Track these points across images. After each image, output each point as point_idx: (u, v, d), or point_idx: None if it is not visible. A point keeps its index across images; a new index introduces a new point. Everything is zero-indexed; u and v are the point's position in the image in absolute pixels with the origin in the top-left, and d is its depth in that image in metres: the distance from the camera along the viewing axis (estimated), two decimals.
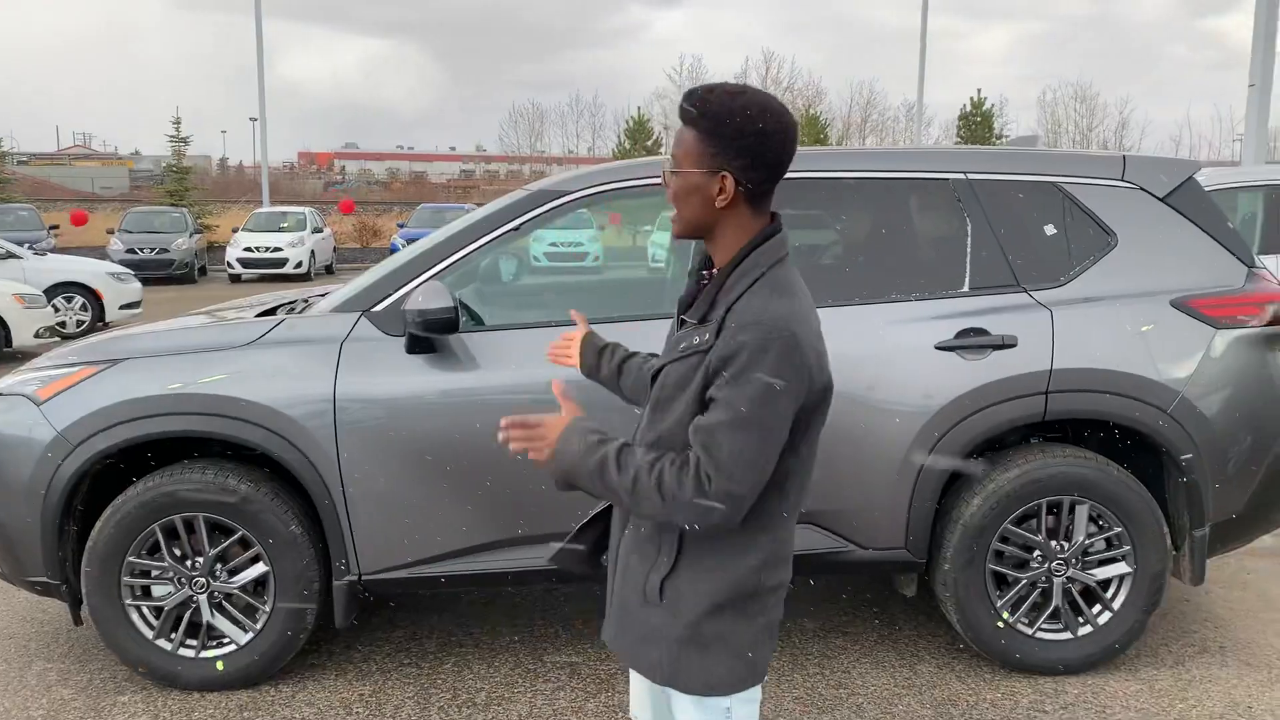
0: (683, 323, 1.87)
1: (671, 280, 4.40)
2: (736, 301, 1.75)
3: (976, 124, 43.80)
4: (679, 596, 1.83)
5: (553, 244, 18.55)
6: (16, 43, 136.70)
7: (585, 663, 3.89)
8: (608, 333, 3.66)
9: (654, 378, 1.88)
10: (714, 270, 1.87)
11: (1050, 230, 3.76)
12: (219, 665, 3.64)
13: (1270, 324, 3.73)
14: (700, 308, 1.82)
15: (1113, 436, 3.80)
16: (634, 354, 2.33)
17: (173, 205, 28.66)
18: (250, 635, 3.64)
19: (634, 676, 2.08)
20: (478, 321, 3.75)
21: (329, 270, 26.28)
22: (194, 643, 3.66)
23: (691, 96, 1.80)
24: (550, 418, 1.86)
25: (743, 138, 1.74)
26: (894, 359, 3.60)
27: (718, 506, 1.69)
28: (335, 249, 28.00)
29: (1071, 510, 3.67)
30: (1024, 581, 3.70)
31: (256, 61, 30.86)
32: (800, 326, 1.72)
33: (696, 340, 1.78)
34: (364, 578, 3.60)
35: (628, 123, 49.79)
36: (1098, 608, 3.75)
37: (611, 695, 3.63)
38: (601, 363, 2.36)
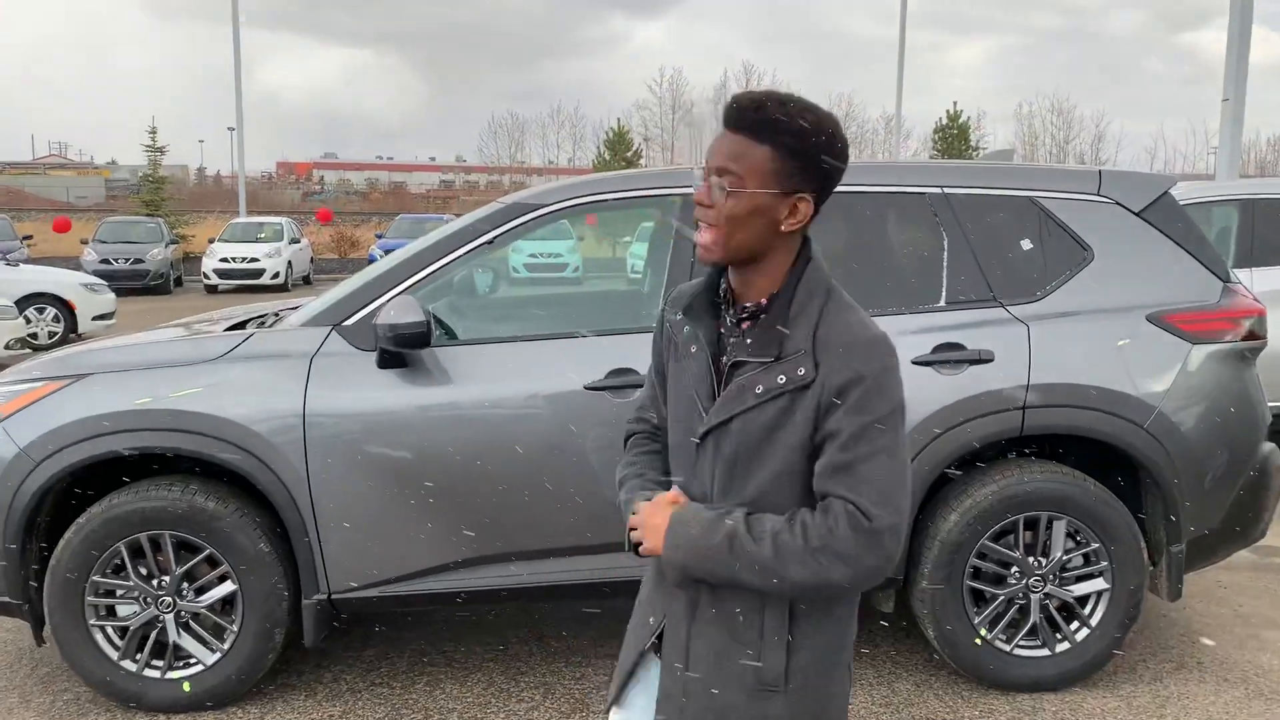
0: (736, 365, 1.65)
1: (649, 293, 4.37)
2: (818, 326, 1.59)
3: (953, 137, 44.05)
4: (805, 674, 1.64)
5: (532, 255, 18.52)
6: None
7: (559, 682, 3.84)
8: (580, 346, 3.67)
9: (705, 438, 1.66)
10: (733, 303, 1.69)
11: (1026, 245, 3.75)
12: (185, 686, 3.56)
13: (1246, 339, 3.74)
14: (766, 344, 1.61)
15: (1090, 452, 3.79)
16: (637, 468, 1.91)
17: (148, 215, 28.46)
18: (218, 655, 3.57)
19: None
20: (451, 335, 3.70)
21: (307, 281, 26.14)
22: (160, 663, 3.58)
23: (764, 107, 1.56)
24: (648, 504, 1.68)
25: (825, 160, 1.58)
26: None
27: (884, 544, 1.52)
28: (313, 259, 27.86)
29: (1049, 526, 3.66)
30: (1001, 598, 3.68)
31: (234, 70, 30.73)
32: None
33: (783, 379, 1.58)
34: (334, 596, 3.54)
35: (608, 134, 49.77)
36: (1076, 624, 3.73)
37: (586, 715, 3.57)
38: None
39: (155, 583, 3.54)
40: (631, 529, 1.71)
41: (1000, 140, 58.16)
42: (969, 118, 45.33)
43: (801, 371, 1.57)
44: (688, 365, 1.72)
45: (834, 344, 1.57)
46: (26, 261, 18.49)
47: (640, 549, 1.69)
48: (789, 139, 1.56)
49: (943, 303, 3.68)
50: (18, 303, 12.37)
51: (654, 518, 1.65)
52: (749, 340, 1.64)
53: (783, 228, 1.60)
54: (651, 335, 1.91)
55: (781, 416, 1.59)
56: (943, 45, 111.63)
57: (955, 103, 47.37)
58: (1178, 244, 3.80)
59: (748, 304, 1.67)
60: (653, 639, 1.76)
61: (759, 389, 1.60)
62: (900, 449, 1.57)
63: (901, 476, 1.56)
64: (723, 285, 1.72)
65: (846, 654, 1.71)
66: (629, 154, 48.26)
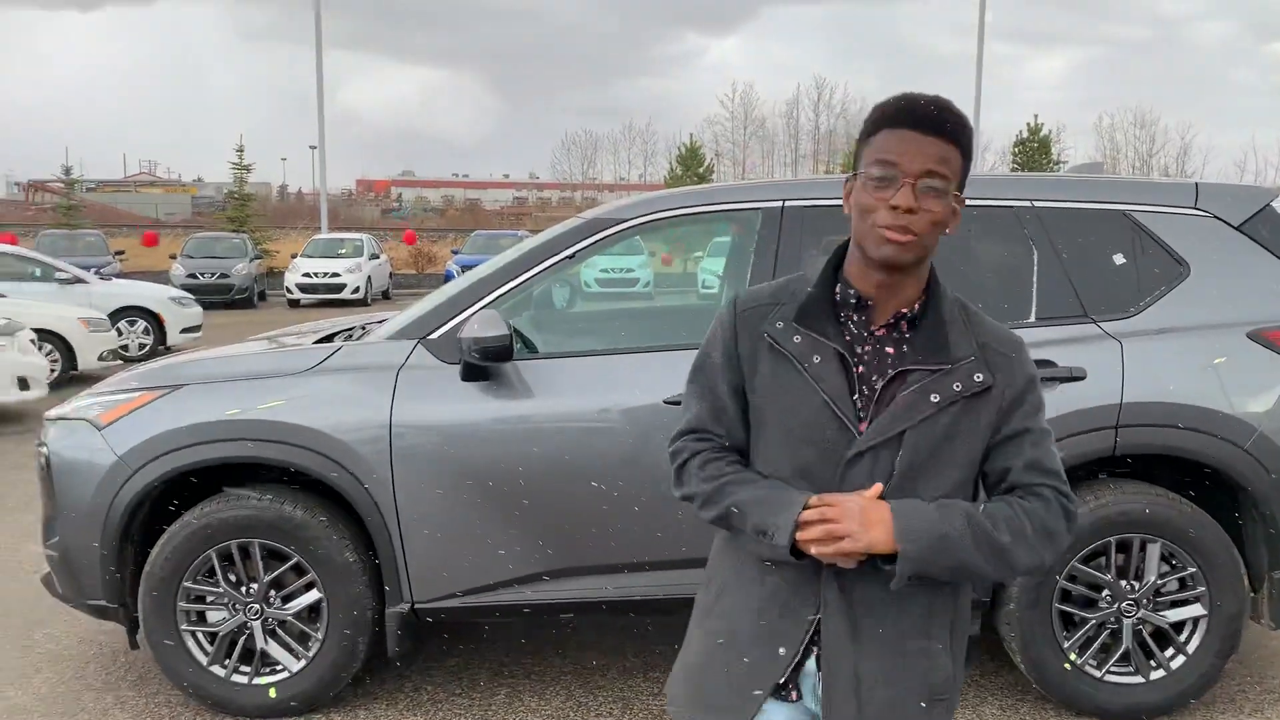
0: (900, 375, 1.59)
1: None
2: (976, 333, 1.62)
3: (1033, 150, 43.24)
4: (959, 679, 1.70)
5: (604, 270, 18.61)
6: (86, 73, 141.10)
7: (637, 697, 3.83)
8: (658, 360, 3.66)
9: (861, 456, 1.58)
10: (883, 309, 1.63)
11: (1119, 259, 3.66)
12: (271, 692, 3.63)
13: None
14: (935, 350, 1.59)
15: (1186, 473, 3.67)
16: None
17: (234, 231, 29.24)
18: (303, 662, 3.63)
19: None
20: (531, 349, 3.73)
21: (385, 295, 26.62)
22: (247, 669, 3.65)
23: (949, 108, 1.57)
24: (846, 499, 1.54)
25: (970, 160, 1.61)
26: None
27: (1075, 526, 1.65)
28: (391, 274, 28.37)
29: (1142, 549, 3.54)
30: (1092, 622, 3.57)
31: (317, 90, 31.50)
32: None
33: (958, 386, 1.57)
34: (416, 606, 3.57)
35: (680, 149, 49.92)
36: (1170, 651, 3.60)
37: None
38: None
39: (244, 589, 3.62)
40: (808, 533, 1.53)
41: (1080, 154, 56.93)
42: (1050, 131, 44.46)
43: (979, 378, 1.58)
44: (815, 377, 1.60)
45: (1000, 349, 1.62)
46: (118, 276, 19.12)
47: (835, 549, 1.52)
48: (966, 139, 1.58)
49: (1032, 318, 3.60)
50: (110, 316, 12.79)
51: (871, 513, 1.52)
52: (911, 348, 1.60)
53: (948, 229, 1.60)
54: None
55: (956, 424, 1.58)
56: (1021, 58, 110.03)
57: (1036, 115, 46.44)
58: (1279, 258, 3.67)
59: (904, 310, 1.62)
60: (788, 671, 1.64)
61: (934, 397, 1.57)
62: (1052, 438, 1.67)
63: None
64: (850, 292, 1.63)
65: (969, 644, 1.76)
66: (701, 169, 48.30)
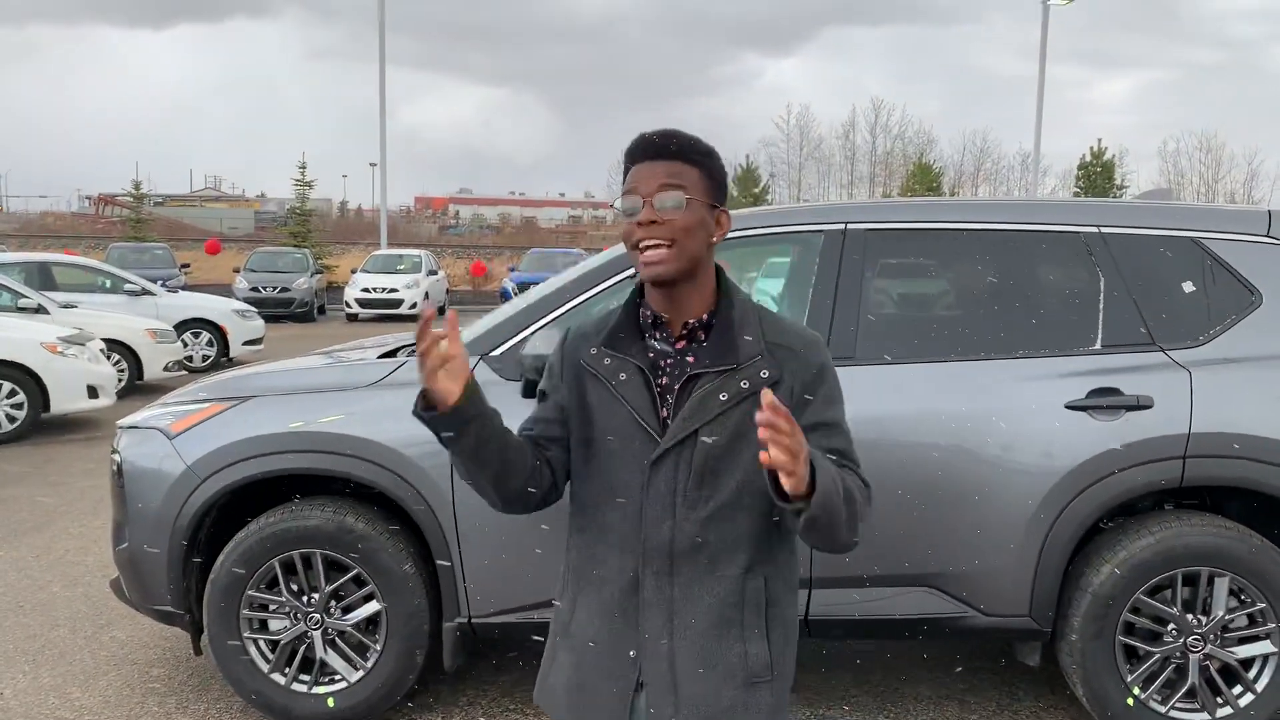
0: (691, 379, 1.70)
1: None
2: (764, 331, 1.73)
3: (1096, 174, 42.64)
4: (782, 661, 1.77)
5: None
6: (157, 89, 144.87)
7: None
8: None
9: (664, 456, 1.69)
10: (662, 323, 1.76)
11: (1189, 287, 3.60)
12: (330, 702, 3.68)
13: None
14: (723, 353, 1.70)
15: (1256, 506, 3.59)
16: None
17: (295, 246, 29.83)
18: (361, 673, 3.68)
19: None
20: None
21: (441, 312, 26.71)
22: (307, 678, 3.71)
23: (678, 136, 1.74)
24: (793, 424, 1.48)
25: (725, 180, 1.78)
26: (1021, 417, 3.47)
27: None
28: (448, 291, 28.69)
29: (1210, 582, 3.47)
30: (1157, 656, 3.50)
31: (379, 109, 32.05)
32: None
33: (746, 384, 1.68)
34: (473, 620, 3.61)
35: (736, 170, 50.01)
36: (1239, 688, 3.52)
37: None
38: (482, 405, 1.70)
39: (305, 599, 3.67)
40: (775, 440, 1.44)
41: (1144, 178, 55.98)
42: (1114, 155, 43.82)
43: (765, 374, 1.69)
44: (620, 393, 1.74)
45: (788, 345, 1.73)
46: (183, 288, 19.57)
47: (795, 466, 1.46)
48: (706, 160, 1.75)
49: (1099, 345, 3.55)
50: (176, 327, 13.09)
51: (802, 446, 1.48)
52: (702, 353, 1.72)
53: (714, 238, 1.74)
54: None
55: (748, 419, 1.63)
56: (1085, 81, 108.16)
57: (1100, 139, 45.84)
58: None
59: (690, 321, 1.75)
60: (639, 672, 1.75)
61: (723, 396, 1.69)
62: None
63: None
64: (645, 313, 1.78)
65: (794, 627, 1.82)
66: (756, 190, 48.31)
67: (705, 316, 1.75)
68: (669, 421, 1.71)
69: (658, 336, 1.77)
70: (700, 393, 1.70)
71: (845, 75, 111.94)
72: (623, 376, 1.74)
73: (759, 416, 1.43)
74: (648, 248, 1.69)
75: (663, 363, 1.75)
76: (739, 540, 1.72)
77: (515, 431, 1.81)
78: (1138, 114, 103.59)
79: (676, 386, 1.72)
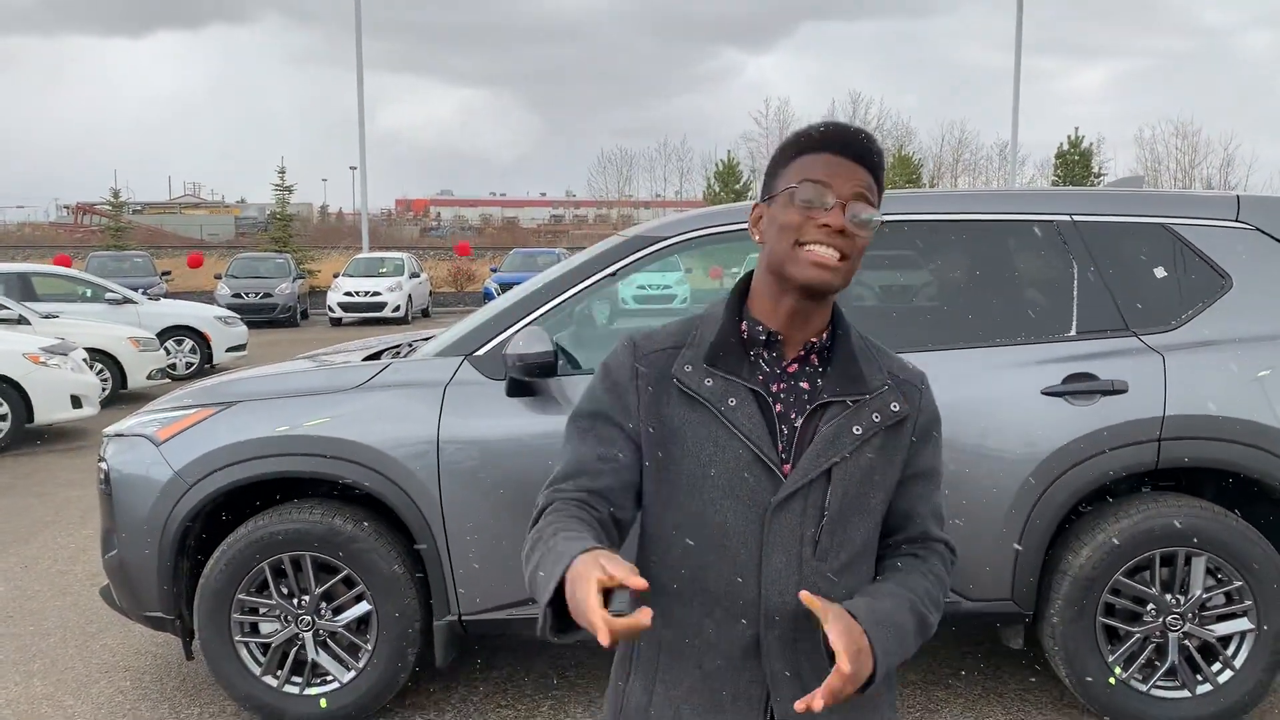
0: (820, 408, 1.48)
1: None
2: (884, 360, 1.55)
3: (1074, 163, 42.90)
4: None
5: (640, 287, 18.68)
6: (134, 97, 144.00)
7: None
8: None
9: (789, 500, 1.45)
10: (793, 342, 1.51)
11: (1161, 273, 3.66)
12: (322, 702, 3.70)
13: None
14: (851, 379, 1.49)
15: (1230, 486, 3.65)
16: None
17: (276, 251, 29.69)
18: (353, 673, 3.71)
19: None
20: (575, 365, 3.79)
21: (425, 314, 26.90)
22: (299, 679, 3.73)
23: (867, 134, 1.49)
24: (843, 639, 1.31)
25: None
26: (998, 404, 3.52)
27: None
28: (431, 293, 28.66)
29: (1187, 562, 3.53)
30: (1137, 636, 3.56)
31: (358, 112, 31.94)
32: None
33: (878, 417, 1.48)
34: (464, 618, 3.64)
35: (718, 166, 50.01)
36: (1218, 665, 3.58)
37: None
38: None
39: (296, 602, 3.70)
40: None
41: (1121, 166, 56.29)
42: (1091, 143, 44.09)
43: (896, 407, 1.50)
44: (730, 422, 1.46)
45: (909, 380, 1.55)
46: (165, 296, 19.49)
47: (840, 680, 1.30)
48: (883, 179, 1.50)
49: (1073, 332, 3.61)
50: (159, 335, 13.05)
51: (861, 639, 1.35)
52: (825, 381, 1.49)
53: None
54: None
55: (879, 457, 1.49)
56: (1062, 71, 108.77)
57: (1077, 128, 46.12)
58: None
59: (813, 341, 1.50)
60: None
61: (856, 429, 1.46)
62: None
63: None
64: (759, 328, 1.51)
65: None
66: (738, 186, 48.36)
67: (825, 337, 1.52)
68: (784, 455, 1.47)
69: (766, 357, 1.50)
70: (833, 424, 1.46)
71: (824, 70, 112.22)
72: (733, 402, 1.46)
73: (826, 691, 1.28)
74: (821, 245, 1.43)
75: (774, 387, 1.49)
76: None
77: (566, 479, 1.54)
78: (1114, 102, 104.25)
79: (795, 416, 1.48)
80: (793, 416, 1.47)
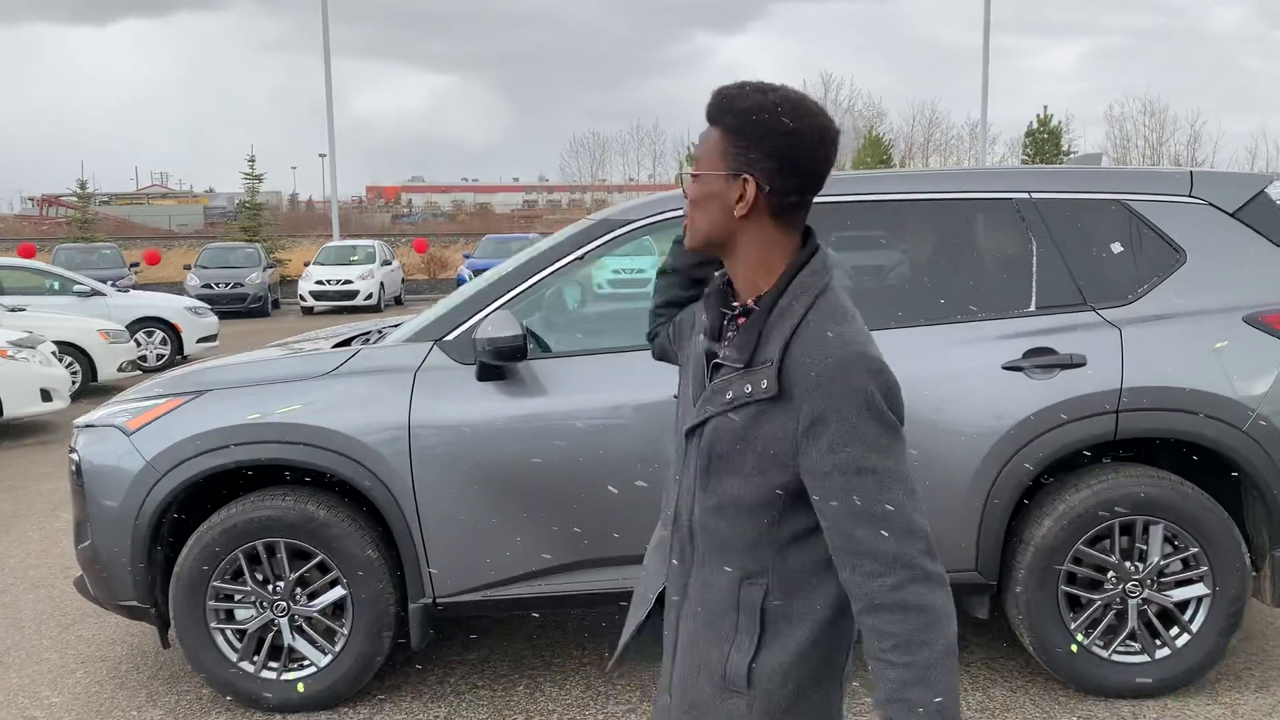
0: (717, 366, 1.58)
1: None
2: (792, 339, 1.47)
3: (1044, 141, 43.15)
4: (773, 678, 1.54)
5: (615, 271, 18.68)
6: (99, 86, 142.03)
7: (654, 683, 3.92)
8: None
9: (691, 433, 1.60)
10: (735, 296, 1.61)
11: (1117, 248, 3.73)
12: (299, 687, 3.74)
13: None
14: (741, 347, 1.53)
15: (1186, 455, 3.74)
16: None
17: (246, 241, 29.45)
18: (329, 658, 3.74)
19: None
20: (544, 348, 3.83)
21: (398, 301, 26.78)
22: (275, 665, 3.76)
23: (718, 92, 1.54)
24: None
25: (771, 136, 1.48)
26: (960, 379, 3.59)
27: (934, 581, 1.43)
28: (404, 280, 28.54)
29: (1145, 531, 3.62)
30: (1098, 603, 3.65)
31: (326, 99, 31.67)
32: (879, 350, 1.47)
33: (749, 389, 1.50)
34: (439, 600, 3.68)
35: (689, 149, 49.99)
36: (1175, 630, 3.68)
37: None
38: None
39: (271, 588, 3.72)
40: None
41: (1091, 143, 56.74)
42: (1060, 121, 44.34)
43: (764, 385, 1.48)
44: (692, 351, 1.69)
45: (810, 367, 1.44)
46: (134, 288, 19.32)
47: None
48: (731, 118, 1.51)
49: (1033, 307, 3.68)
50: (128, 327, 12.95)
51: None
52: (730, 341, 1.57)
53: (735, 213, 1.53)
54: None
55: (752, 425, 1.49)
56: (1031, 50, 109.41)
57: (1045, 107, 46.39)
58: (1275, 244, 3.75)
59: (748, 300, 1.58)
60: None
61: (729, 395, 1.53)
62: (901, 473, 1.45)
63: (913, 502, 1.46)
64: (723, 274, 1.66)
65: (836, 661, 1.59)
66: None
67: (751, 302, 1.57)
68: None
69: (728, 310, 1.63)
70: (715, 383, 1.56)
71: (797, 51, 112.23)
72: (700, 335, 1.65)
73: None
74: None
75: (728, 335, 1.60)
76: (730, 544, 1.56)
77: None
78: (1083, 80, 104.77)
79: (710, 367, 1.62)
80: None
